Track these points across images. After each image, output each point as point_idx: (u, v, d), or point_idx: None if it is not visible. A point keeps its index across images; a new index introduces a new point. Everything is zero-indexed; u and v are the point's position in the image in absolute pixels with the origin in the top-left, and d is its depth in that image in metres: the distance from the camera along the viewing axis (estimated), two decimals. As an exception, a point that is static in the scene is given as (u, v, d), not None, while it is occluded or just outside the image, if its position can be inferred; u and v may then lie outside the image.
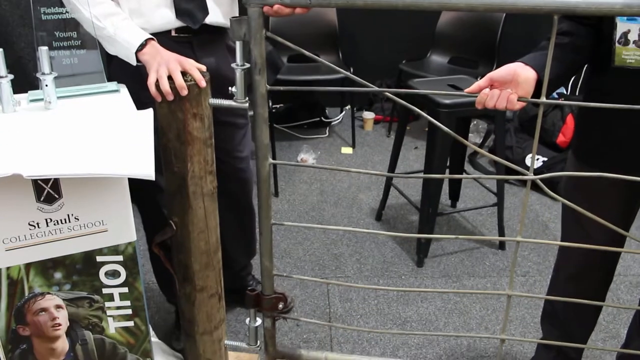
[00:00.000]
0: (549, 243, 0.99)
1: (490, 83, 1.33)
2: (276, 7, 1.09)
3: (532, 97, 1.34)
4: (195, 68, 1.35)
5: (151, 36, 1.56)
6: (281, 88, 1.08)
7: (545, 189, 1.08)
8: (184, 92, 1.26)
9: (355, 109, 4.15)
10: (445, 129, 1.08)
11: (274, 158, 3.42)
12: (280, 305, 1.32)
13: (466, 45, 4.03)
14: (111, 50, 1.60)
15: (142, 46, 1.52)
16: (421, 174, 2.93)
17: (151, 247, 2.02)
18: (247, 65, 1.28)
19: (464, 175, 1.03)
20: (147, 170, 1.07)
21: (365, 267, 2.66)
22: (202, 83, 1.29)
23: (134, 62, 1.55)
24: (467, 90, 1.33)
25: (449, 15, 4.05)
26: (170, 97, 1.26)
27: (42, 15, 1.41)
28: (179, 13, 1.67)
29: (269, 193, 1.21)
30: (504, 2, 0.93)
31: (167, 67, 1.36)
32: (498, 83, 1.32)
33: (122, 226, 1.26)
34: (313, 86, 4.14)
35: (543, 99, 0.89)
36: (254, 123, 1.17)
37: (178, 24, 1.69)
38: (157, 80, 1.33)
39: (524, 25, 4.09)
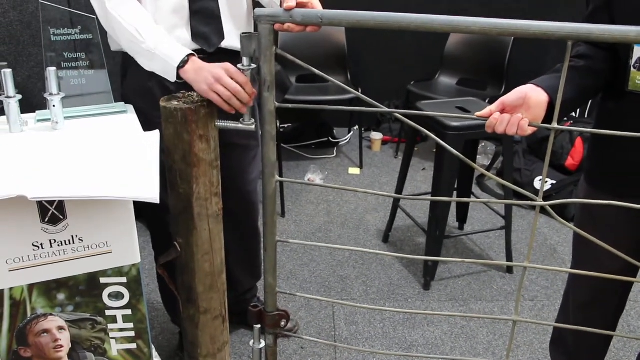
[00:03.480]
0: (557, 270, 0.98)
1: (502, 107, 1.30)
2: (287, 24, 1.08)
3: (544, 121, 1.33)
4: (241, 76, 1.33)
5: (192, 52, 1.51)
6: (290, 106, 1.07)
7: (555, 215, 1.06)
8: (250, 103, 1.32)
9: (363, 129, 4.15)
10: (454, 151, 1.07)
11: (281, 177, 3.41)
12: (283, 323, 1.30)
13: (474, 67, 4.03)
14: (147, 65, 1.55)
15: (184, 62, 1.48)
16: (429, 197, 2.92)
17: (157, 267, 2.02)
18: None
19: (472, 199, 1.02)
20: (152, 194, 1.07)
21: (371, 289, 2.63)
22: (252, 91, 1.32)
23: (173, 78, 1.50)
24: (477, 114, 1.30)
25: (458, 37, 4.06)
26: (251, 104, 1.32)
27: (52, 36, 1.42)
28: (195, 36, 1.66)
29: (275, 210, 1.20)
30: (516, 26, 0.91)
31: (223, 85, 1.34)
32: (510, 107, 1.30)
33: (126, 248, 1.26)
34: (321, 108, 4.14)
35: (554, 125, 0.88)
36: (262, 140, 1.16)
37: (193, 46, 1.67)
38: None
39: (533, 47, 4.09)
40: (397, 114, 1.09)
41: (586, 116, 4.08)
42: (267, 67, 1.06)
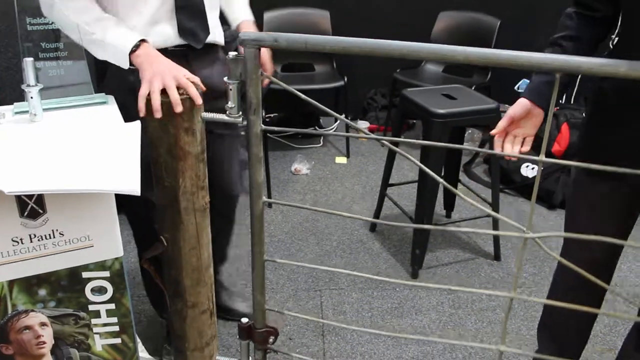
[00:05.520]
0: (540, 301, 0.96)
1: (511, 121, 1.54)
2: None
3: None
4: (191, 84, 1.28)
5: (144, 38, 1.47)
6: (275, 129, 1.05)
7: (541, 244, 1.05)
8: (179, 109, 1.20)
9: (349, 118, 4.13)
10: (435, 176, 1.06)
11: (267, 169, 3.39)
12: (271, 339, 1.30)
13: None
14: (100, 55, 1.50)
15: (136, 47, 1.43)
16: (415, 203, 2.89)
17: (142, 262, 2.00)
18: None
19: (460, 229, 1.00)
20: (132, 186, 1.04)
21: (359, 279, 2.62)
22: (199, 101, 1.23)
23: (126, 65, 1.45)
24: (492, 132, 1.57)
25: (443, 24, 4.05)
26: (159, 115, 1.21)
27: (28, 25, 1.39)
28: (182, 32, 1.63)
29: (262, 230, 1.18)
30: (504, 56, 0.90)
31: (162, 81, 1.29)
32: (517, 119, 1.54)
33: (108, 241, 1.23)
34: (307, 95, 4.10)
35: (542, 157, 0.87)
36: (249, 162, 1.14)
37: (179, 42, 1.64)
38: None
39: (519, 34, 4.09)
40: (386, 142, 1.07)
41: (572, 102, 4.09)
42: (253, 89, 1.05)
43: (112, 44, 1.45)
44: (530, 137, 1.55)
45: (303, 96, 1.02)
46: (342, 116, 4.06)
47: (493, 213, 0.90)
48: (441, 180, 0.82)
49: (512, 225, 0.86)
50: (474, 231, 0.79)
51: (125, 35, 1.46)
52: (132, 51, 1.43)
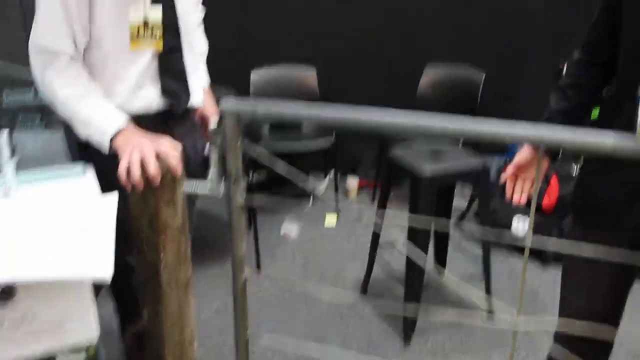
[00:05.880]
0: None
1: (518, 167, 1.63)
2: None
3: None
4: (172, 154, 1.25)
5: (128, 122, 1.46)
6: (256, 205, 1.02)
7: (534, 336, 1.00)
8: (156, 182, 1.16)
9: (339, 173, 4.08)
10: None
11: (255, 232, 3.29)
12: None
13: (447, 108, 4.01)
14: (82, 131, 1.49)
15: (117, 133, 1.42)
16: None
17: (123, 334, 1.92)
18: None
19: (446, 315, 0.96)
20: (103, 273, 0.98)
21: (350, 348, 2.53)
22: (178, 172, 1.19)
23: (105, 149, 1.43)
24: (502, 180, 1.67)
25: (430, 78, 4.08)
26: (140, 188, 1.17)
27: (5, 98, 1.35)
28: (165, 92, 1.63)
29: (246, 306, 1.13)
30: (486, 129, 0.89)
31: (141, 153, 1.25)
32: (524, 164, 1.63)
33: (82, 325, 1.17)
34: (295, 155, 4.05)
35: (529, 242, 0.85)
36: (230, 234, 1.09)
37: (161, 104, 1.63)
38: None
39: (504, 87, 4.12)
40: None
41: (560, 154, 4.08)
42: (232, 159, 1.02)
43: (96, 124, 1.45)
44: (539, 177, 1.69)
45: (282, 172, 0.99)
46: (332, 172, 3.98)
47: (484, 301, 0.85)
48: (428, 262, 0.78)
49: (502, 308, 0.80)
50: (465, 320, 0.74)
51: (110, 118, 1.46)
52: (113, 137, 1.42)
